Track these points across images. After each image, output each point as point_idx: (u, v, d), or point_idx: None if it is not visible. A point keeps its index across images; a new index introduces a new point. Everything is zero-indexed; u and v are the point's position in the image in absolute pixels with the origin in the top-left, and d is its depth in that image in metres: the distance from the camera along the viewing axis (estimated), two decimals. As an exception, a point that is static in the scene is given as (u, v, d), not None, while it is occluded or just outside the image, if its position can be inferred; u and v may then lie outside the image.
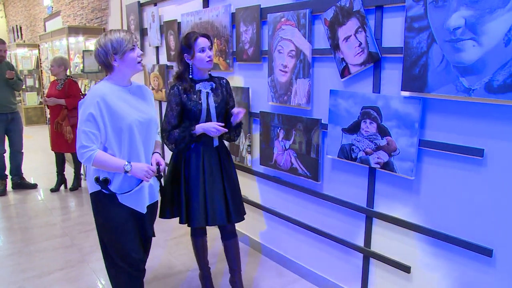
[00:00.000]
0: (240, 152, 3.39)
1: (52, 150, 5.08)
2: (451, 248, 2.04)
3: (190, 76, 2.49)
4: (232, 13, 3.20)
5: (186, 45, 2.44)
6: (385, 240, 2.38)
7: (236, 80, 3.34)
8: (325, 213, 2.74)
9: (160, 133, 2.55)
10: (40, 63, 9.46)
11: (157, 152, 2.27)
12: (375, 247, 2.44)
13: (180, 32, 3.83)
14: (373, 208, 2.40)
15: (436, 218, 2.10)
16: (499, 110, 1.79)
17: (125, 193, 2.07)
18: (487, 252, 1.89)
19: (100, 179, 2.05)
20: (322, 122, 2.60)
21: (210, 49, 2.47)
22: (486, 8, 1.69)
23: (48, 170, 5.86)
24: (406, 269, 2.26)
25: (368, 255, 2.48)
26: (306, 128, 2.69)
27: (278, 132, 2.91)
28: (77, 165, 5.15)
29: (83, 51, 6.13)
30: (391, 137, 2.17)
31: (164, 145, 2.51)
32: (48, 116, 5.22)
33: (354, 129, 2.35)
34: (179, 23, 3.88)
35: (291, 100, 2.75)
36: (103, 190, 2.05)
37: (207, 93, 2.49)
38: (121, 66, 2.04)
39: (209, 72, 2.59)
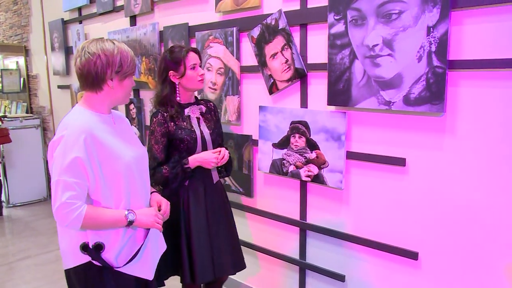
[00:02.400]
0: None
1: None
2: (381, 255, 2.12)
3: (178, 99, 2.14)
4: (160, 31, 3.16)
5: (173, 61, 2.07)
6: (319, 251, 2.42)
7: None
8: (260, 228, 2.75)
9: None
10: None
11: (155, 191, 1.82)
12: (310, 258, 2.48)
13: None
14: (306, 221, 2.45)
15: (366, 226, 2.17)
16: (417, 121, 1.91)
17: (130, 261, 1.54)
18: (413, 255, 1.98)
19: (90, 245, 1.49)
20: (253, 138, 2.62)
21: (201, 66, 2.18)
22: (400, 27, 1.81)
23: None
24: (340, 278, 2.31)
25: (303, 267, 2.51)
26: (237, 145, 2.70)
27: (210, 149, 2.89)
28: (-4, 191, 4.79)
29: (2, 69, 5.79)
30: (320, 150, 2.23)
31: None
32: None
33: (284, 144, 2.40)
34: (105, 41, 3.77)
35: (221, 117, 2.76)
36: (94, 262, 1.50)
37: (198, 118, 2.16)
38: (115, 90, 1.55)
39: (195, 95, 2.29)
